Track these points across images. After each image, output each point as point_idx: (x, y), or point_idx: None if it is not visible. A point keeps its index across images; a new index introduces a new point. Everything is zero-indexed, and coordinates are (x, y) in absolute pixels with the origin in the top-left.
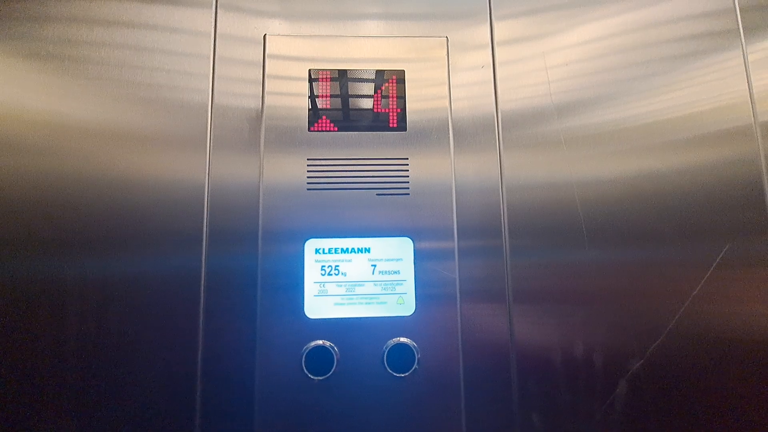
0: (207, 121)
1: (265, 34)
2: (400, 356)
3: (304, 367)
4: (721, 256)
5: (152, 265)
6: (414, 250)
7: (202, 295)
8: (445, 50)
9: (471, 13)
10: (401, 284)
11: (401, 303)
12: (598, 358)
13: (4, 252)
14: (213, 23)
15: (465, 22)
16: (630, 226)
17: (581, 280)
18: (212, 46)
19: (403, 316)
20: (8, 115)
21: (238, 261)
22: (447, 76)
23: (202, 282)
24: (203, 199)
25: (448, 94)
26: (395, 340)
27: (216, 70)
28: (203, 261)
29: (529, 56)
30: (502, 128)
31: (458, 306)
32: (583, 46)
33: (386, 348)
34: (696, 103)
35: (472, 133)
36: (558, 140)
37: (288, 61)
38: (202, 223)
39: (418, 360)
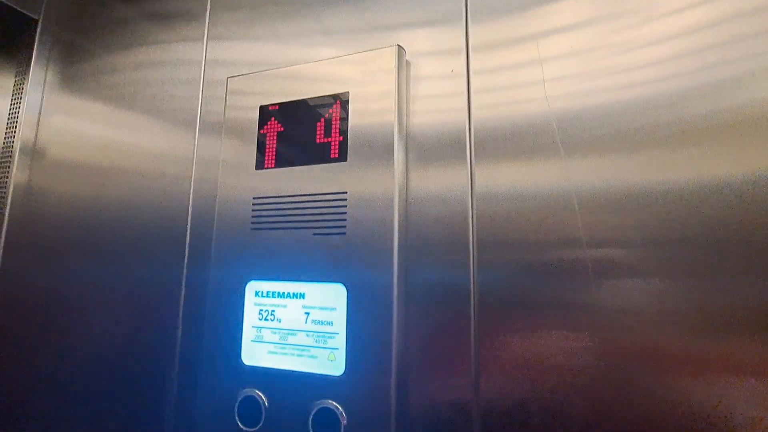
0: (193, 145)
1: (228, 77)
2: (326, 422)
3: (236, 416)
4: None
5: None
6: (347, 298)
7: (180, 322)
8: (394, 62)
9: (438, 19)
10: (333, 337)
11: (332, 360)
12: None
13: (36, 259)
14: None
15: (431, 29)
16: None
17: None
18: (202, 73)
19: (333, 376)
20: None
21: (202, 295)
22: (395, 92)
23: (181, 310)
24: (186, 220)
25: (395, 113)
26: (322, 402)
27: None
28: (183, 280)
29: (516, 63)
30: (475, 148)
31: (393, 370)
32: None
33: (314, 409)
34: None
35: (435, 157)
36: (557, 158)
37: (244, 99)
38: (185, 246)
39: (344, 429)
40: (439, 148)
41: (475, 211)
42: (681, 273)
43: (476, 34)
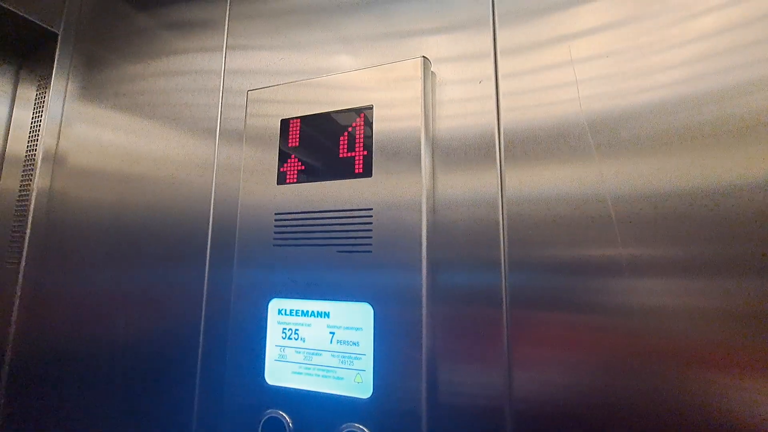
0: (214, 158)
1: (248, 90)
2: None
3: None
4: None
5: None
6: (374, 318)
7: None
8: (420, 73)
9: (463, 24)
10: (360, 359)
11: (359, 382)
12: None
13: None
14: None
15: (456, 34)
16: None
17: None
18: (221, 83)
19: (360, 399)
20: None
21: (224, 301)
22: (421, 105)
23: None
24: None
25: (422, 127)
26: (349, 426)
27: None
28: (205, 286)
29: (547, 65)
30: (505, 151)
31: (423, 392)
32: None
33: None
34: None
35: (462, 163)
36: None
37: (265, 113)
38: (206, 253)
39: None
40: (467, 153)
41: (506, 216)
42: (722, 273)
43: (504, 38)
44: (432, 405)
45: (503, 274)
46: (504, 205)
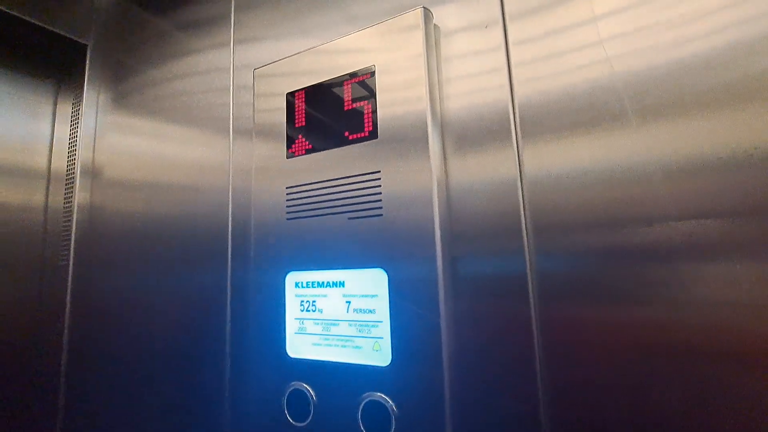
0: (228, 152)
1: (255, 69)
2: (376, 416)
3: (285, 411)
4: None
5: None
6: (389, 284)
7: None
8: (421, 23)
9: None
10: (377, 326)
11: (377, 349)
12: None
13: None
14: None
15: (461, 2)
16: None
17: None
18: (231, 79)
19: (379, 367)
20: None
21: (247, 293)
22: (424, 57)
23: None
24: (228, 226)
25: (426, 79)
26: (370, 395)
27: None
28: (228, 280)
29: (563, 26)
30: (521, 127)
31: (444, 357)
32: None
33: (362, 402)
34: None
35: (475, 142)
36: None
37: (271, 89)
38: (227, 250)
39: (396, 423)
40: (479, 132)
41: (525, 193)
42: None
43: (512, 1)
44: (455, 371)
45: (527, 248)
46: (523, 176)
